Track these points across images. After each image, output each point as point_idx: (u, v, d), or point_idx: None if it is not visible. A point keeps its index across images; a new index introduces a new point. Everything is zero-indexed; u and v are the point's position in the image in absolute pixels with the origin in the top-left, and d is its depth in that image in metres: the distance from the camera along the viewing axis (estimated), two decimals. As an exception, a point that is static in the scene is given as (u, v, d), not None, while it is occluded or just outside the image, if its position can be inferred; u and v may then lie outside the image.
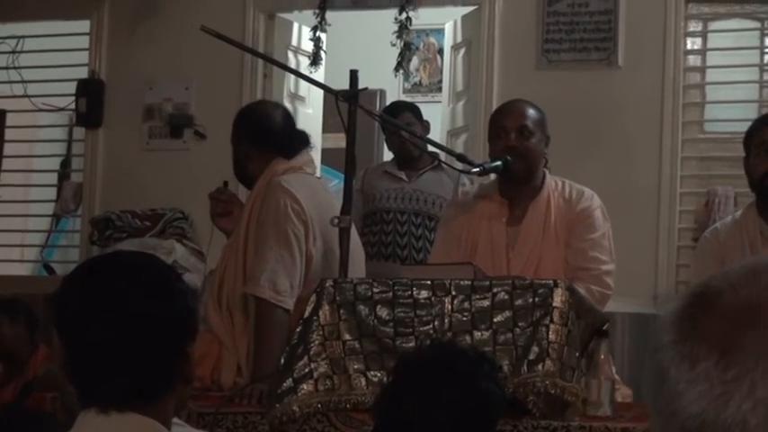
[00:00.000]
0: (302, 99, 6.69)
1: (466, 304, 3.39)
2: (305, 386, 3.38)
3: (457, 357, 2.59)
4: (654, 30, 5.86)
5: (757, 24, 6.02)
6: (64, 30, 6.91)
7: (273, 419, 3.38)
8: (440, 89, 7.65)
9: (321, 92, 6.07)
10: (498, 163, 3.94)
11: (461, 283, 3.42)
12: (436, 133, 6.34)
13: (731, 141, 5.43)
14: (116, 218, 6.10)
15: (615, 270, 3.97)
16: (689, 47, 5.97)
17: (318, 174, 5.12)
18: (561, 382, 3.22)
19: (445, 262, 3.84)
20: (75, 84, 6.71)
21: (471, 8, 6.34)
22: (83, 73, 6.76)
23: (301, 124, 5.11)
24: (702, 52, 6.03)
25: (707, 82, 6.03)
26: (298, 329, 3.52)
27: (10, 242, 7.05)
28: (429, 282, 3.45)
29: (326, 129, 6.85)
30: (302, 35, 6.66)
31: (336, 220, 3.79)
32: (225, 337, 4.05)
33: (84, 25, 6.82)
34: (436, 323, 3.40)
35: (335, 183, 6.47)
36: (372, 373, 3.40)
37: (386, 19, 6.36)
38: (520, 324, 3.33)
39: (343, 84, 3.98)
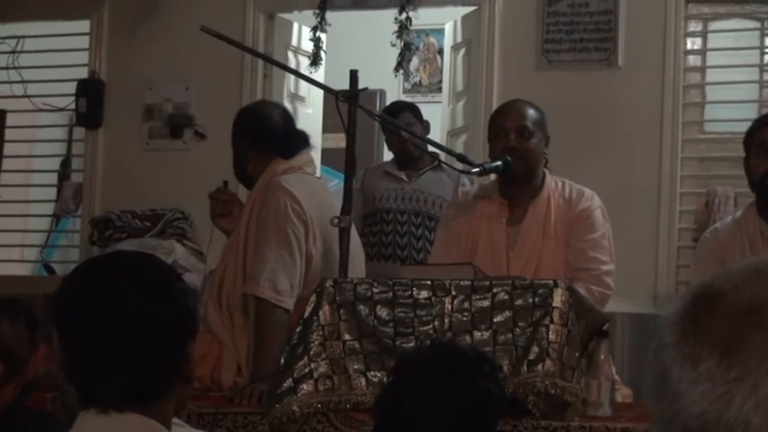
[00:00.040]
0: (302, 99, 6.69)
1: (466, 304, 3.39)
2: (305, 386, 3.38)
3: (457, 357, 2.59)
4: (654, 30, 5.86)
5: (757, 24, 6.02)
6: (64, 30, 6.91)
7: (273, 419, 3.38)
8: (440, 89, 7.65)
9: (321, 92, 6.07)
10: (498, 163, 3.94)
11: (461, 283, 3.42)
12: (436, 133, 6.34)
13: (731, 141, 5.43)
14: (116, 218, 6.10)
15: (615, 270, 3.97)
16: (689, 47, 5.97)
17: (318, 174, 5.12)
18: (561, 383, 3.22)
19: (445, 262, 3.84)
20: (75, 84, 6.71)
21: (471, 8, 6.34)
22: (83, 73, 6.76)
23: (301, 124, 5.11)
24: (702, 52, 6.03)
25: (707, 82, 6.03)
26: (298, 329, 3.52)
27: (10, 242, 7.05)
28: (429, 282, 3.45)
29: (326, 129, 6.85)
30: (302, 35, 6.66)
31: (336, 220, 3.79)
32: (225, 337, 4.05)
33: (84, 25, 6.82)
34: (436, 323, 3.40)
35: (335, 183, 6.47)
36: (372, 373, 3.40)
37: (386, 19, 6.36)
38: (520, 324, 3.33)
39: (343, 84, 3.98)
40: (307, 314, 3.51)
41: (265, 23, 6.55)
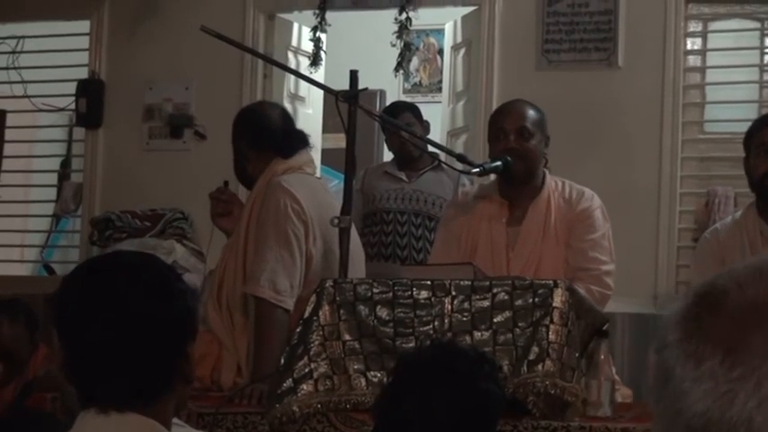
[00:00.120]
0: (302, 99, 6.69)
1: (466, 304, 3.39)
2: (305, 386, 3.38)
3: (457, 358, 2.59)
4: (654, 30, 5.86)
5: (757, 24, 6.02)
6: (64, 30, 6.91)
7: (273, 420, 3.38)
8: (440, 89, 7.65)
9: (321, 92, 6.07)
10: (498, 163, 3.94)
11: (461, 283, 3.42)
12: (436, 133, 6.34)
13: (731, 142, 5.43)
14: (116, 218, 6.10)
15: (615, 270, 3.97)
16: (689, 47, 5.97)
17: (318, 174, 5.13)
18: (561, 383, 3.22)
19: (445, 262, 3.84)
20: (75, 84, 6.71)
21: (471, 8, 6.34)
22: (83, 73, 6.76)
23: (301, 124, 5.12)
24: (702, 52, 6.03)
25: (707, 82, 6.03)
26: (298, 329, 3.52)
27: (10, 242, 7.05)
28: (429, 282, 3.45)
29: (326, 129, 6.85)
30: (302, 35, 6.66)
31: (336, 221, 3.79)
32: (225, 337, 4.05)
33: (84, 25, 6.82)
34: (436, 323, 3.40)
35: (335, 183, 6.47)
36: (372, 373, 3.40)
37: (386, 19, 6.36)
38: (520, 324, 3.33)
39: (343, 84, 3.98)
40: (307, 314, 3.50)
41: (265, 23, 6.55)
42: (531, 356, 3.26)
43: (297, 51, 6.67)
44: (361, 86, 3.94)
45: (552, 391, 3.21)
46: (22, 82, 6.81)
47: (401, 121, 5.50)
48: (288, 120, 4.37)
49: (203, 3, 6.46)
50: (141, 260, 2.11)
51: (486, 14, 6.16)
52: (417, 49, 8.05)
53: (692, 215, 5.80)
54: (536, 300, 3.34)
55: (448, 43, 6.73)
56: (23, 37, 6.82)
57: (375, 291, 3.47)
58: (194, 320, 2.06)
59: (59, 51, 6.83)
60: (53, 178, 6.99)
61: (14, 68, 6.80)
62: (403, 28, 6.19)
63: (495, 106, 4.85)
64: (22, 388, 3.29)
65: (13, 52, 6.83)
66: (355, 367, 3.41)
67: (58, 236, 7.26)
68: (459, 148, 5.81)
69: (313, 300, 3.52)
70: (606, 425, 3.24)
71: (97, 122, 6.70)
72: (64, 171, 6.94)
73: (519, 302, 3.35)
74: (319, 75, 6.23)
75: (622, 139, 5.85)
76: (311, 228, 4.02)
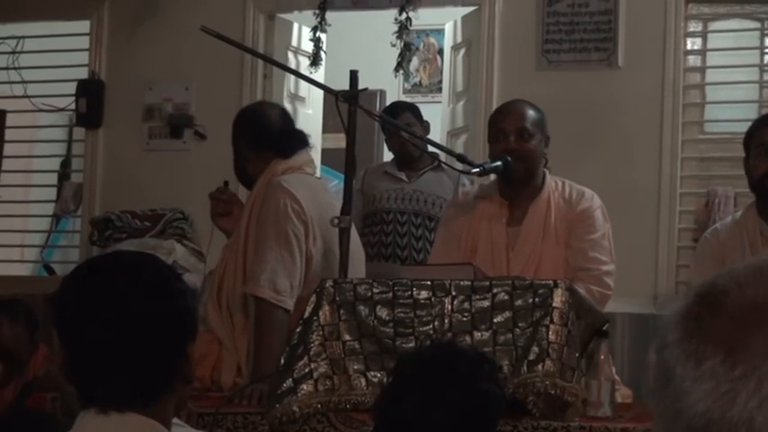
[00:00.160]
0: (302, 99, 6.69)
1: (466, 305, 3.39)
2: (305, 386, 3.38)
3: (457, 358, 2.59)
4: (654, 30, 5.86)
5: (757, 24, 6.02)
6: (64, 30, 6.91)
7: (273, 420, 3.38)
8: (440, 89, 7.65)
9: (321, 92, 6.07)
10: (498, 163, 3.94)
11: (461, 283, 3.42)
12: (436, 134, 6.34)
13: (731, 142, 5.43)
14: (116, 218, 6.10)
15: (615, 270, 3.97)
16: (689, 47, 5.97)
17: (318, 174, 5.12)
18: (561, 383, 3.22)
19: (445, 262, 3.84)
20: (75, 84, 6.71)
21: (471, 8, 6.34)
22: (83, 73, 6.76)
23: (301, 125, 5.12)
24: (702, 53, 6.03)
25: (707, 82, 6.03)
26: (298, 330, 3.52)
27: (10, 242, 7.05)
28: (429, 282, 3.45)
29: (326, 129, 6.85)
30: (302, 35, 6.66)
31: (336, 221, 3.79)
32: (225, 337, 4.05)
33: (84, 25, 6.82)
34: (436, 323, 3.40)
35: (335, 183, 6.47)
36: (372, 373, 3.40)
37: (386, 19, 6.36)
38: (520, 324, 3.33)
39: (343, 84, 3.98)
40: (307, 314, 3.50)
41: (265, 23, 6.55)
42: (531, 356, 3.26)
43: (297, 51, 6.67)
44: (361, 86, 3.93)
45: (552, 392, 3.21)
46: (22, 82, 6.81)
47: (401, 121, 5.50)
48: (287, 120, 4.37)
49: (203, 3, 6.46)
50: (141, 260, 2.11)
51: (486, 14, 6.16)
52: (417, 49, 8.05)
53: (692, 215, 5.80)
54: (536, 300, 3.34)
55: (448, 43, 6.73)
56: (23, 37, 6.82)
57: (375, 291, 3.47)
58: (194, 320, 2.06)
59: (59, 51, 6.83)
60: (53, 178, 6.99)
61: (14, 68, 6.80)
62: (403, 28, 6.19)
63: (495, 106, 4.85)
64: (22, 388, 3.29)
65: (13, 52, 6.83)
66: (355, 367, 3.41)
67: (58, 236, 7.26)
68: (459, 148, 5.81)
69: (313, 300, 3.52)
70: (606, 425, 3.24)
71: (97, 122, 6.70)
72: (64, 171, 6.94)
73: (519, 302, 3.35)
74: (319, 75, 6.23)
75: (622, 139, 5.85)
76: (311, 228, 4.02)
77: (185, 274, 4.67)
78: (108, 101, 6.70)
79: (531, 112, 4.01)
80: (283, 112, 4.49)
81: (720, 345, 0.92)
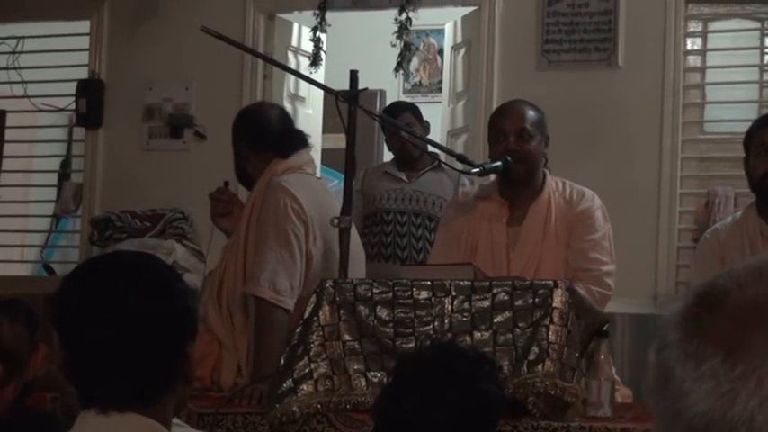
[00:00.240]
0: (302, 100, 6.69)
1: (466, 305, 3.39)
2: (305, 386, 3.38)
3: (457, 358, 2.59)
4: (654, 30, 5.86)
5: (757, 24, 6.02)
6: (64, 30, 6.91)
7: (273, 420, 3.38)
8: (440, 89, 7.65)
9: (321, 92, 6.07)
10: (498, 164, 3.93)
11: (461, 283, 3.42)
12: (436, 134, 6.34)
13: (731, 142, 5.43)
14: (116, 218, 6.10)
15: (615, 270, 3.97)
16: (689, 47, 5.97)
17: (318, 174, 5.12)
18: (561, 383, 3.22)
19: (445, 262, 3.84)
20: (75, 84, 6.71)
21: (471, 8, 6.34)
22: (83, 73, 6.76)
23: (301, 125, 5.12)
24: (702, 53, 6.03)
25: (707, 82, 6.03)
26: (298, 330, 3.52)
27: (10, 242, 7.05)
28: (429, 282, 3.45)
29: (326, 129, 6.85)
30: (302, 36, 6.66)
31: (336, 221, 3.79)
32: (225, 337, 4.05)
33: (84, 25, 6.82)
34: (436, 323, 3.40)
35: (335, 183, 6.47)
36: (372, 373, 3.40)
37: (386, 19, 6.36)
38: (520, 324, 3.33)
39: (343, 84, 3.98)
40: (307, 314, 3.50)
41: (265, 24, 6.55)
42: (531, 357, 3.26)
43: (297, 51, 6.67)
44: (361, 86, 3.93)
45: (552, 392, 3.21)
46: (22, 82, 6.81)
47: (401, 122, 5.50)
48: (287, 120, 4.37)
49: (203, 3, 6.46)
50: (141, 260, 2.11)
51: (486, 14, 6.16)
52: (417, 49, 8.05)
53: (692, 215, 5.80)
54: (536, 300, 3.34)
55: (448, 43, 6.73)
56: (23, 37, 6.82)
57: (375, 291, 3.47)
58: (194, 320, 2.06)
59: (59, 51, 6.83)
60: (53, 178, 6.99)
61: (14, 68, 6.80)
62: (403, 28, 6.19)
63: (495, 106, 4.85)
64: (22, 388, 3.29)
65: (13, 52, 6.83)
66: (355, 367, 3.41)
67: (58, 236, 7.26)
68: (459, 149, 5.81)
69: (313, 300, 3.52)
70: (606, 425, 3.24)
71: (97, 122, 6.70)
72: (64, 171, 6.94)
73: (519, 303, 3.35)
74: (319, 75, 6.23)
75: (622, 139, 5.85)
76: (311, 228, 4.02)
77: (185, 274, 4.67)
78: (108, 101, 6.70)
79: (530, 113, 4.01)
80: (283, 112, 4.49)
81: (720, 345, 0.92)
